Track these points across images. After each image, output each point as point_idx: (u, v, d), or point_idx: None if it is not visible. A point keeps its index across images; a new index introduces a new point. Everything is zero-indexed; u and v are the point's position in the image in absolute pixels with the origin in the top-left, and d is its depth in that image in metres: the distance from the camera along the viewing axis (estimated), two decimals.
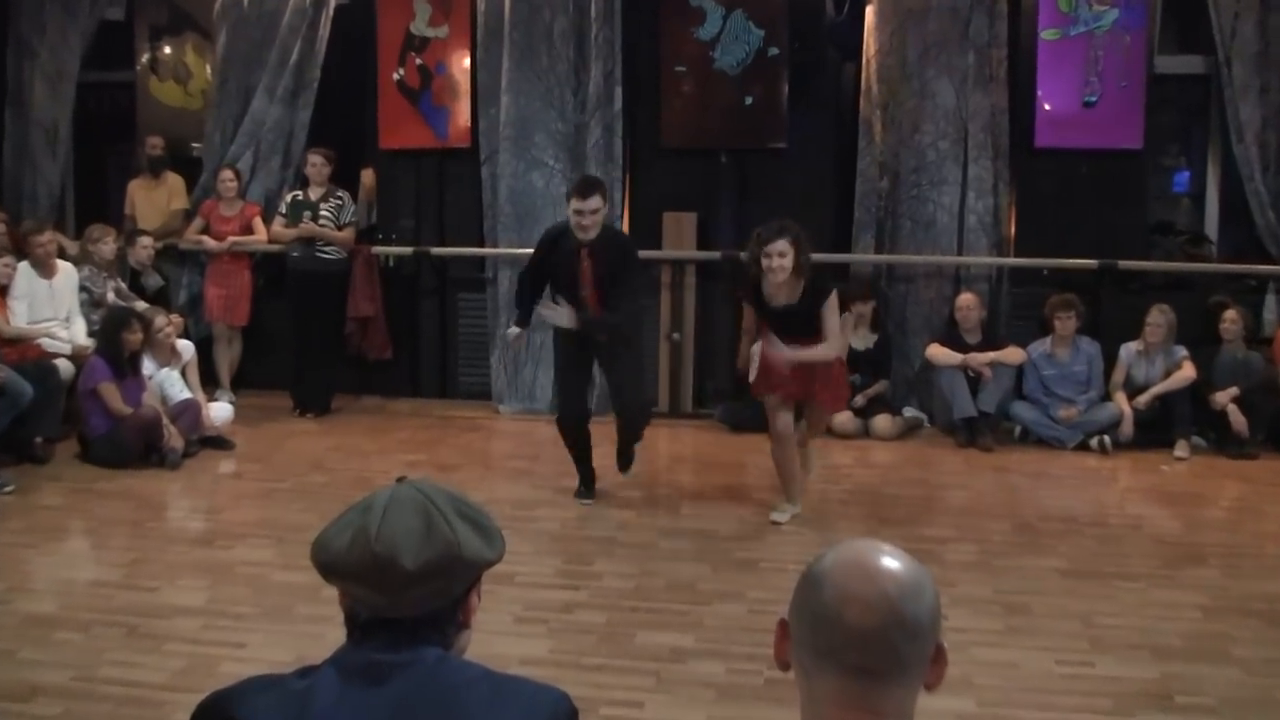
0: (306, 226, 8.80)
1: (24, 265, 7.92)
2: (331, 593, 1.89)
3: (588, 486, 6.76)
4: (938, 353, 8.42)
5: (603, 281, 6.30)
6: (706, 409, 9.06)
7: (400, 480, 1.90)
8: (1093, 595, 5.24)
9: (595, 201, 6.17)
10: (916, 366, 8.86)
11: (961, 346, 8.39)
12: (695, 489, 7.08)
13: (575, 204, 6.20)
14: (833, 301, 6.06)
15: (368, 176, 10.07)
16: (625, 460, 6.86)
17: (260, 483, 7.08)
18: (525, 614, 4.93)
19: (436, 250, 9.49)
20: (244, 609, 4.96)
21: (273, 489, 6.91)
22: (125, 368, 7.46)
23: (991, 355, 8.31)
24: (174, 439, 7.38)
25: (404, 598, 1.80)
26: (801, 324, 6.09)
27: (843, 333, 6.50)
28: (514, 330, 6.73)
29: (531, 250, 6.78)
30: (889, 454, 8.10)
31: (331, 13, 9.44)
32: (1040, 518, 6.49)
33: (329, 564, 1.84)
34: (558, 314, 6.35)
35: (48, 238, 8.07)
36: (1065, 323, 8.24)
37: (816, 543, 5.80)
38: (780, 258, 5.91)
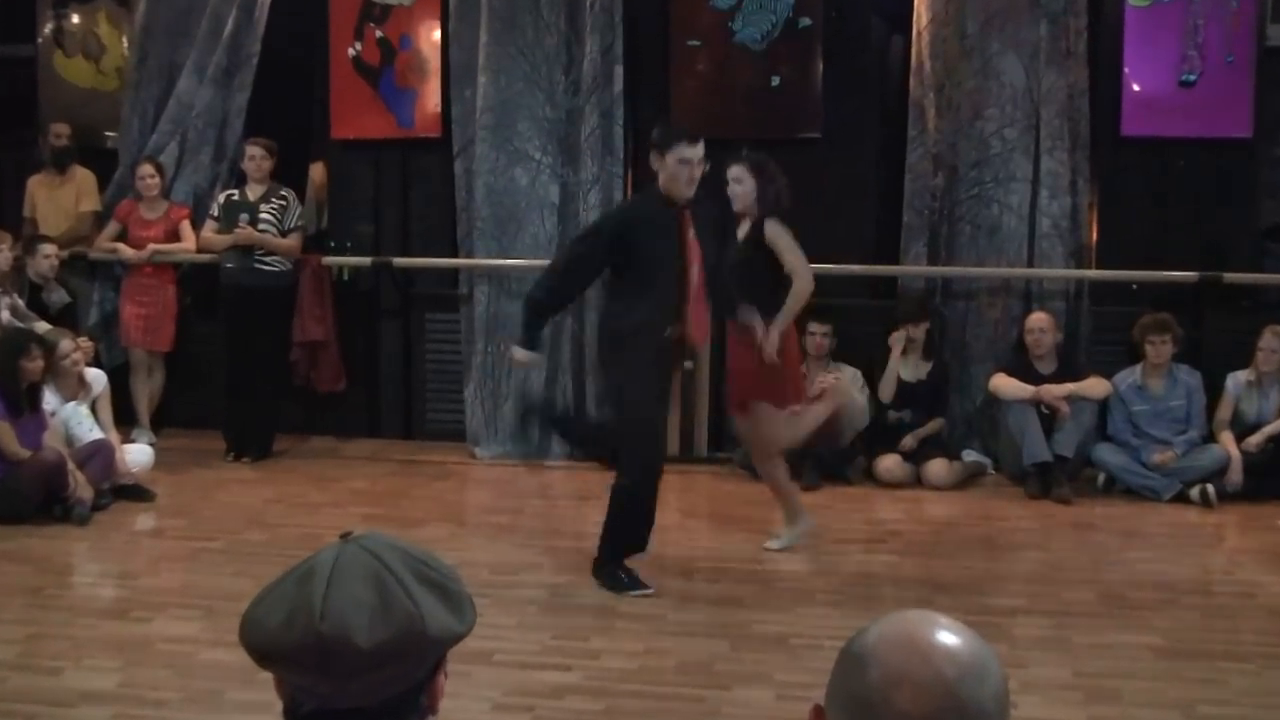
0: (243, 232, 8.81)
1: None
2: (270, 675, 1.88)
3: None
4: (1004, 384, 8.41)
5: (705, 260, 6.25)
6: (725, 452, 9.06)
7: (345, 538, 1.88)
8: (1195, 680, 5.20)
9: (702, 148, 6.14)
10: (978, 401, 8.86)
11: (1033, 377, 8.38)
12: (711, 549, 7.06)
13: (684, 151, 6.08)
14: (776, 228, 6.08)
15: (317, 172, 10.09)
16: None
17: (185, 542, 7.05)
18: (506, 700, 4.90)
19: (400, 261, 9.51)
20: (164, 694, 4.92)
21: (200, 549, 6.88)
22: (22, 402, 7.45)
23: (1070, 387, 8.30)
24: (81, 488, 7.36)
25: (357, 685, 1.78)
26: (753, 279, 6.14)
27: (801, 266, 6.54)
28: (526, 355, 6.51)
29: (578, 254, 6.44)
30: (945, 506, 8.08)
31: None
32: (1130, 585, 6.46)
33: (263, 647, 1.81)
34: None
35: None
36: (1159, 348, 8.23)
37: (859, 614, 5.77)
38: (736, 184, 5.94)
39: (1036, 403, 8.29)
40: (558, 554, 6.81)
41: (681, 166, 6.08)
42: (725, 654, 5.45)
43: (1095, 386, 8.34)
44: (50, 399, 7.73)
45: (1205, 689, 5.10)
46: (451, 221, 9.46)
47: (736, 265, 6.27)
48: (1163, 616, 5.96)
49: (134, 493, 7.82)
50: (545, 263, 8.77)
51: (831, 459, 8.38)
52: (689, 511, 7.95)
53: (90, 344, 8.66)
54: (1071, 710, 4.89)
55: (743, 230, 6.39)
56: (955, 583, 6.48)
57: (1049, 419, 8.29)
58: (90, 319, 9.50)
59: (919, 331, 8.60)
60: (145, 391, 9.35)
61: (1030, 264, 8.83)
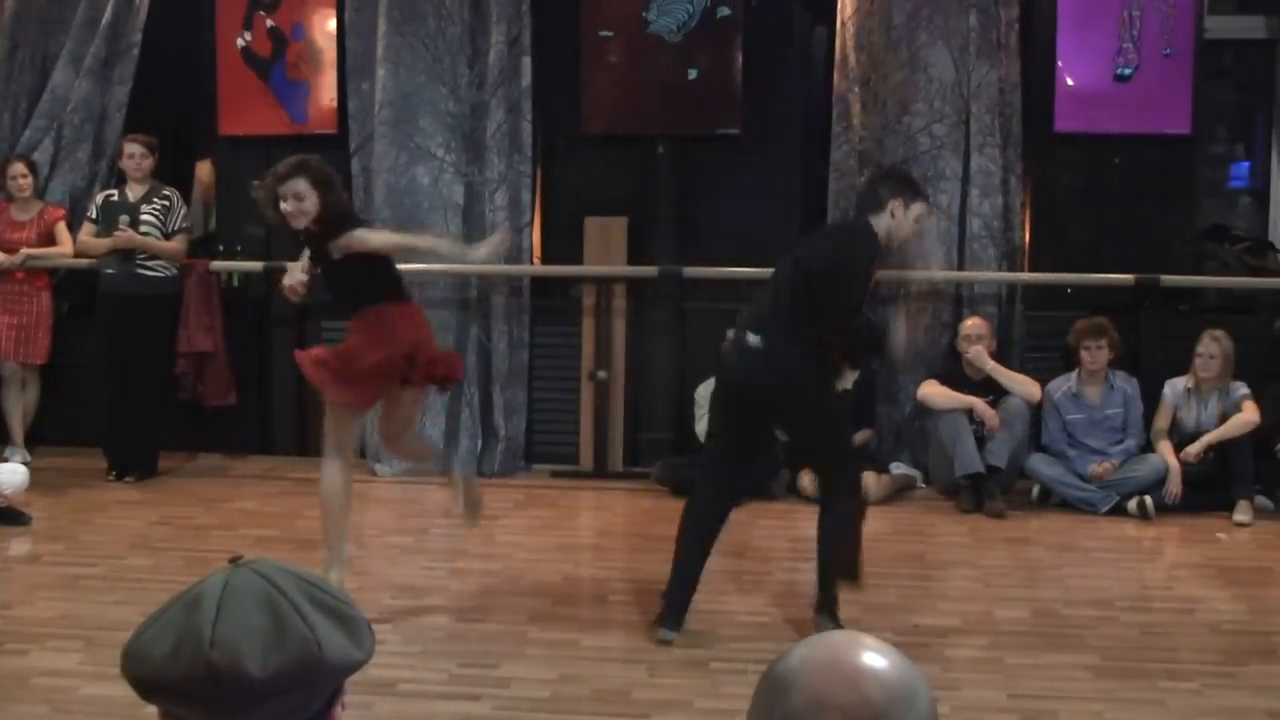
0: (123, 235, 8.71)
1: None
2: (155, 711, 1.86)
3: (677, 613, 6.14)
4: (934, 393, 8.48)
5: None
6: (641, 467, 9.06)
7: (235, 562, 1.87)
8: (1134, 700, 5.27)
9: None
10: (907, 411, 8.92)
11: (964, 385, 8.47)
12: (627, 570, 7.06)
13: (918, 209, 6.07)
14: (354, 225, 6.17)
15: (204, 171, 10.02)
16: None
17: (63, 568, 6.98)
18: None
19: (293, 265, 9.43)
20: None
21: (79, 576, 6.81)
22: None
23: (1003, 372, 8.42)
24: None
25: (249, 717, 1.77)
26: (349, 281, 6.22)
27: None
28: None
29: None
30: (874, 521, 8.04)
31: None
32: (1066, 602, 6.54)
33: (148, 679, 1.80)
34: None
35: None
36: (1095, 354, 8.33)
37: (781, 637, 5.81)
38: (296, 200, 6.00)
39: (968, 411, 8.37)
40: (464, 576, 6.80)
41: (916, 226, 6.10)
42: (643, 680, 5.46)
43: (1026, 381, 8.42)
44: None
45: (1144, 710, 5.17)
46: None
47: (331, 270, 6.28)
48: (1100, 635, 6.04)
49: (7, 516, 7.70)
50: (448, 267, 8.79)
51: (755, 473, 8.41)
52: (604, 530, 7.95)
53: None
54: None
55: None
56: (883, 602, 6.51)
57: (981, 429, 8.37)
58: None
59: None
60: (18, 407, 9.23)
61: (960, 267, 8.91)
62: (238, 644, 1.75)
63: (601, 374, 9.05)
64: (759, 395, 5.86)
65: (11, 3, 9.54)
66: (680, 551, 5.96)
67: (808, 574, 6.94)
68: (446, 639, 5.97)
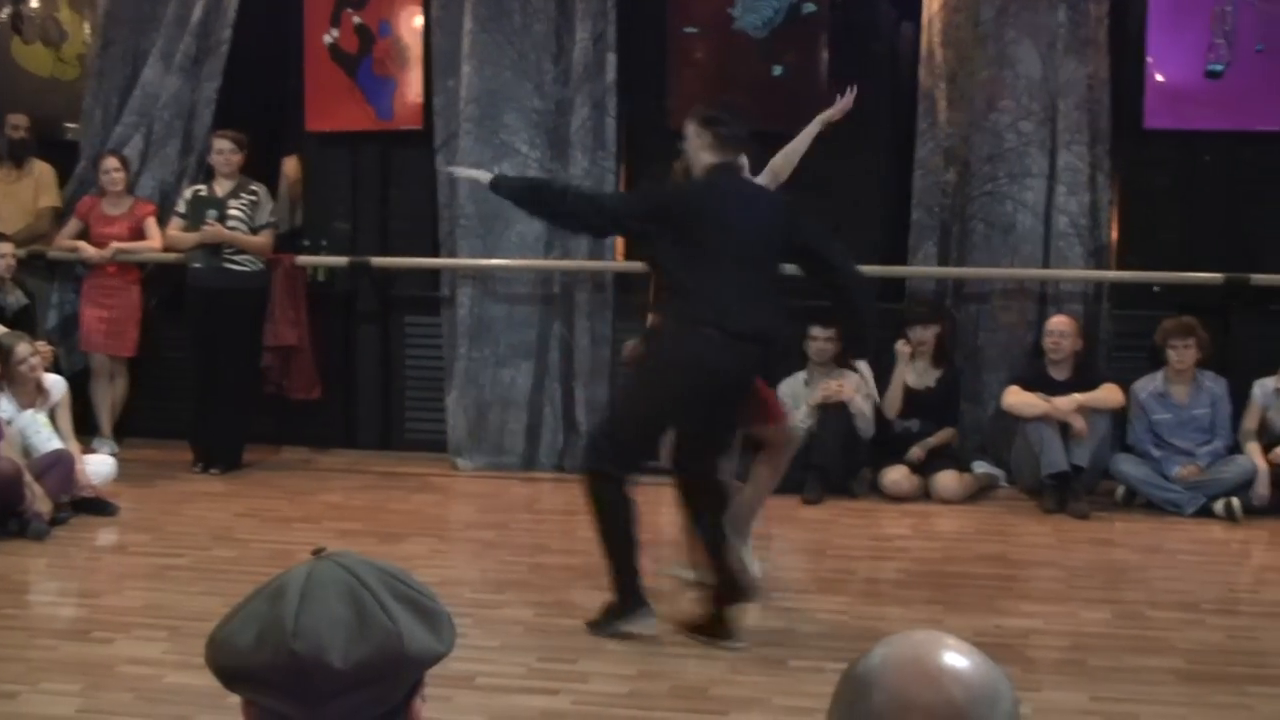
0: (212, 230, 8.81)
1: None
2: (238, 701, 1.87)
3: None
4: (1017, 401, 8.37)
5: None
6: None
7: (318, 554, 1.88)
8: (1219, 705, 5.20)
9: None
10: (991, 410, 8.86)
11: (1047, 385, 8.39)
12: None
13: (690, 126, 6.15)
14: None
15: (291, 167, 10.09)
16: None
17: (150, 558, 7.04)
18: None
19: (378, 261, 9.51)
20: (127, 719, 4.93)
21: (165, 566, 6.87)
22: None
23: (1079, 399, 8.29)
24: (39, 501, 7.36)
25: (330, 708, 1.77)
26: None
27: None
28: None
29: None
30: (956, 520, 8.09)
31: None
32: (1151, 604, 6.47)
33: (232, 668, 1.81)
34: None
35: None
36: (1183, 354, 8.24)
37: (862, 636, 5.78)
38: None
39: (1049, 419, 8.29)
40: (545, 571, 6.81)
41: (698, 141, 6.14)
42: (722, 677, 5.45)
43: (1109, 397, 8.34)
44: (6, 407, 7.72)
45: (1230, 715, 5.11)
46: (433, 219, 9.45)
47: None
48: (1185, 638, 5.96)
49: (95, 506, 7.80)
50: (531, 263, 8.83)
51: (836, 471, 8.38)
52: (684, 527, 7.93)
53: (49, 348, 8.63)
54: None
55: None
56: (966, 602, 6.49)
57: (1067, 427, 8.29)
58: (49, 322, 9.50)
59: (929, 335, 8.60)
60: (107, 399, 9.34)
61: (1046, 264, 8.84)
62: (320, 635, 1.76)
63: None
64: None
65: (105, 1, 9.65)
66: (630, 539, 5.90)
67: (889, 573, 6.94)
68: (526, 633, 5.98)
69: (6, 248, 8.86)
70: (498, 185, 6.17)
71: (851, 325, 6.38)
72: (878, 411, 8.44)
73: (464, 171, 6.37)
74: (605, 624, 5.86)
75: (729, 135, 5.98)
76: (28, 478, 7.36)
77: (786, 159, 6.29)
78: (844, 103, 6.42)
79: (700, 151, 5.99)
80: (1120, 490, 8.42)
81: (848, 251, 6.13)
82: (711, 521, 5.93)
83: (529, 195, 6.24)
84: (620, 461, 5.85)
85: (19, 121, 9.74)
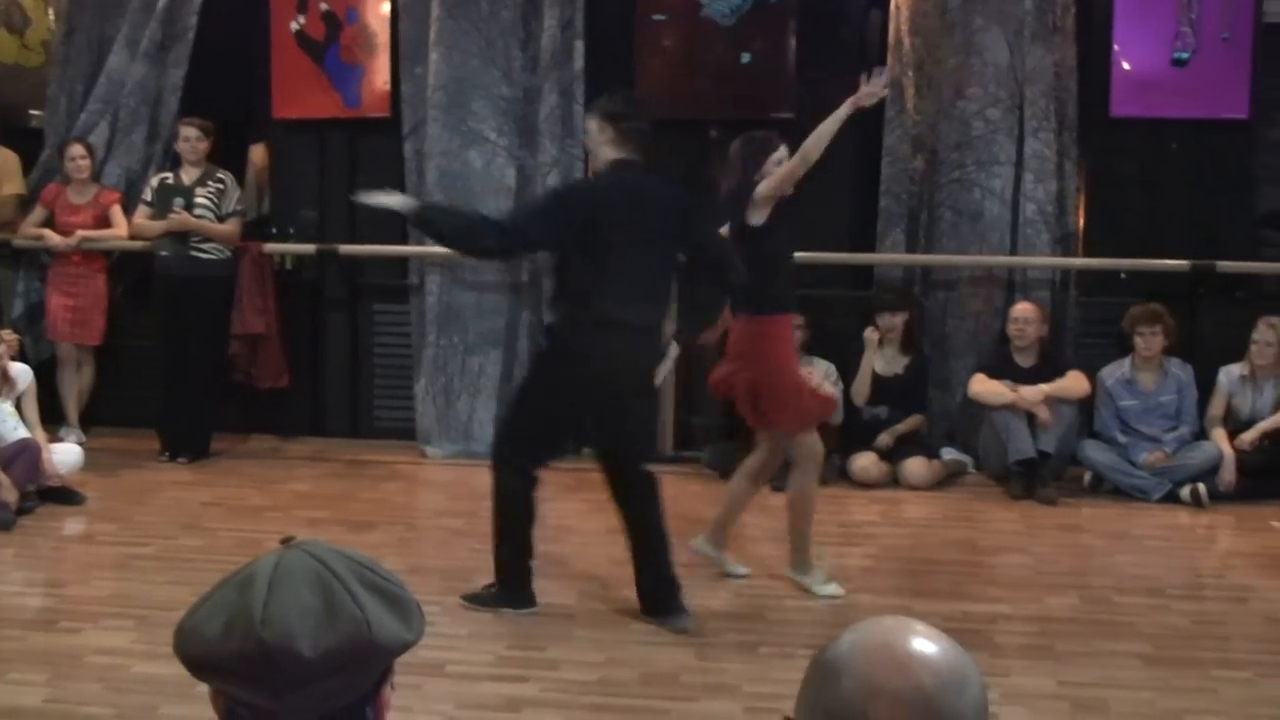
0: (178, 218, 8.78)
1: None
2: (207, 690, 1.87)
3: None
4: (983, 389, 8.41)
5: None
6: (691, 451, 9.06)
7: (286, 543, 1.88)
8: (1185, 689, 5.23)
9: None
10: (959, 397, 8.89)
11: (1013, 372, 8.42)
12: (676, 554, 7.03)
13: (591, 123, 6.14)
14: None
15: (258, 154, 10.06)
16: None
17: (117, 547, 7.02)
18: (459, 714, 4.90)
19: (346, 249, 9.49)
20: (95, 709, 4.90)
21: (133, 555, 6.85)
22: None
23: (1045, 389, 8.31)
24: (5, 490, 7.32)
25: (299, 696, 1.78)
26: None
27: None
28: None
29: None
30: (924, 507, 8.12)
31: None
32: (1118, 589, 6.50)
33: (200, 657, 1.81)
34: None
35: None
36: (1149, 340, 8.28)
37: (831, 622, 5.79)
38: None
39: (1014, 408, 8.32)
40: None
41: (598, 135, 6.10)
42: (691, 664, 5.46)
43: (1075, 386, 8.37)
44: None
45: (1196, 699, 5.13)
46: None
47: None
48: (1151, 623, 6.00)
49: (62, 495, 7.77)
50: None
51: None
52: None
53: (14, 337, 8.56)
54: None
55: None
56: (934, 588, 6.51)
57: (1033, 416, 8.32)
58: (14, 310, 9.47)
59: (897, 322, 8.62)
60: (74, 388, 9.30)
61: (1014, 252, 8.87)
62: (289, 623, 1.76)
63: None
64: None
65: None
66: (524, 533, 6.03)
67: (858, 559, 6.95)
68: (495, 621, 5.97)
69: None
70: (420, 217, 6.18)
71: (699, 312, 6.36)
72: (846, 398, 8.48)
73: (379, 199, 6.19)
74: (480, 602, 6.04)
75: (631, 130, 5.96)
76: None
77: (817, 141, 6.27)
78: (873, 86, 6.37)
79: (602, 146, 5.97)
80: (1087, 476, 8.45)
81: (734, 251, 6.14)
82: (643, 517, 5.99)
83: (441, 224, 6.19)
84: (524, 454, 5.98)
85: None
